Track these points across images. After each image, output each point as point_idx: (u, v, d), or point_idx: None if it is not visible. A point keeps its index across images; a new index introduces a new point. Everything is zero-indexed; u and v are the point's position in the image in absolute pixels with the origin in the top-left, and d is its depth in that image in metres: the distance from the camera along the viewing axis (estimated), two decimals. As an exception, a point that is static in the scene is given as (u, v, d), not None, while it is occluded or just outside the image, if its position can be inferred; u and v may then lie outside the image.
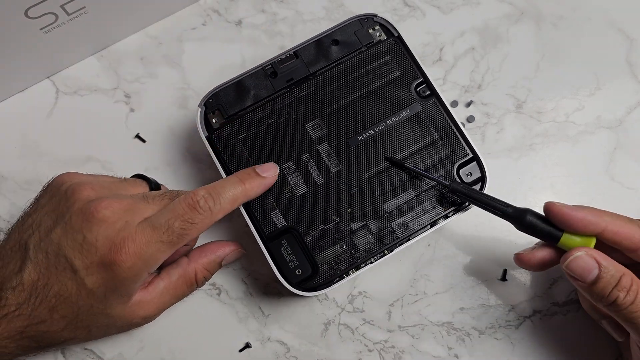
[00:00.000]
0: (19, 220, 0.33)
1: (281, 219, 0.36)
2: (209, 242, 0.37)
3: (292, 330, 0.39)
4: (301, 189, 0.36)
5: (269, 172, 0.35)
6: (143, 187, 0.35)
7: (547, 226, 0.33)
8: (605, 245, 0.33)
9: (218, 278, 0.39)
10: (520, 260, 0.35)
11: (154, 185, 0.36)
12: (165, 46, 0.43)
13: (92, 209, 0.30)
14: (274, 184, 0.36)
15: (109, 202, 0.31)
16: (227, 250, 0.36)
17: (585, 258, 0.31)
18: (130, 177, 0.36)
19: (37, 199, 0.34)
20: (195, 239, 0.35)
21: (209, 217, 0.31)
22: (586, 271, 0.31)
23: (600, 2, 0.45)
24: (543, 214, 0.34)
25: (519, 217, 0.34)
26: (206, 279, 0.36)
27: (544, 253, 0.34)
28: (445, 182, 0.35)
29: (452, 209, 0.36)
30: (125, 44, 0.43)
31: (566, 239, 0.33)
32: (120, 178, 0.36)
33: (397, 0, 0.45)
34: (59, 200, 0.32)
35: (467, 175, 0.37)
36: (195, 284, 0.35)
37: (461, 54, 0.44)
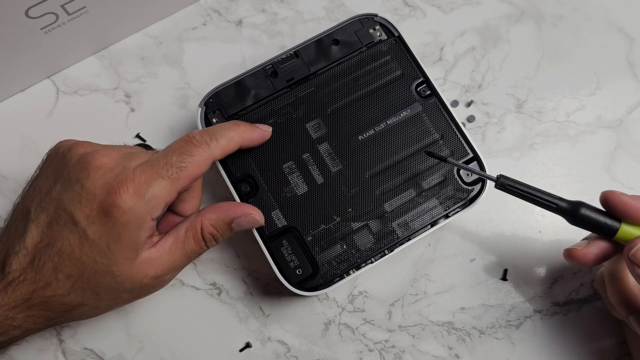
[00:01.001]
0: (22, 191, 0.33)
1: (281, 219, 0.36)
2: (226, 201, 0.34)
3: (293, 330, 0.39)
4: (301, 188, 0.36)
5: (265, 126, 0.36)
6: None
7: (604, 218, 0.32)
8: None
9: (218, 278, 0.39)
10: (572, 256, 0.33)
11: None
12: (165, 46, 0.43)
13: (88, 158, 0.30)
14: (273, 185, 0.36)
15: (106, 151, 0.30)
16: (238, 212, 0.33)
17: None
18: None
19: (38, 168, 0.34)
20: (196, 178, 0.32)
21: (206, 151, 0.31)
22: None
23: (600, 2, 0.45)
24: (597, 205, 0.33)
25: (574, 211, 0.32)
26: (214, 237, 0.33)
27: (599, 247, 0.33)
28: (492, 176, 0.34)
29: (453, 208, 0.36)
30: (126, 44, 0.43)
31: (625, 230, 0.32)
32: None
33: (397, 0, 0.45)
34: (57, 162, 0.32)
35: (468, 175, 0.37)
36: (202, 240, 0.33)
37: (461, 54, 0.44)
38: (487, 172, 0.35)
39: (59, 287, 0.30)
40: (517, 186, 0.33)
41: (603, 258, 0.33)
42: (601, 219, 0.32)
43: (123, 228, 0.29)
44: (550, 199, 0.33)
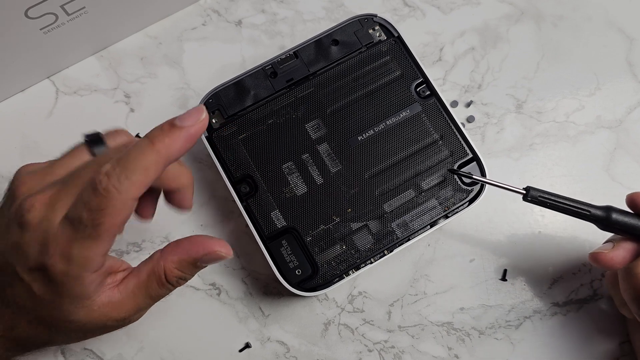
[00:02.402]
0: None
1: (281, 219, 0.36)
2: (188, 237, 0.31)
3: (292, 330, 0.39)
4: (301, 189, 0.36)
5: (191, 120, 0.27)
6: (82, 156, 0.31)
7: (636, 220, 0.32)
8: None
9: (218, 278, 0.39)
10: (599, 260, 0.33)
11: (94, 145, 0.31)
12: (165, 46, 0.43)
13: (22, 212, 0.28)
14: (272, 185, 0.36)
15: (32, 202, 0.28)
16: (201, 250, 0.30)
17: None
18: (75, 145, 0.32)
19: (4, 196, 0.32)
20: (123, 223, 0.28)
21: (117, 199, 0.26)
22: None
23: (600, 2, 0.45)
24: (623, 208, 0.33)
25: (606, 218, 0.32)
26: (181, 279, 0.31)
27: (626, 249, 0.32)
28: (521, 190, 0.33)
29: (452, 209, 0.36)
30: (125, 44, 0.43)
31: None
32: (63, 154, 0.32)
33: (397, 0, 0.45)
34: (8, 199, 0.30)
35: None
36: (167, 284, 0.30)
37: (461, 54, 0.44)
38: (513, 185, 0.33)
39: (25, 331, 0.30)
40: (547, 197, 0.32)
41: (630, 259, 0.33)
42: (633, 221, 0.32)
43: (63, 286, 0.27)
44: (582, 207, 0.33)
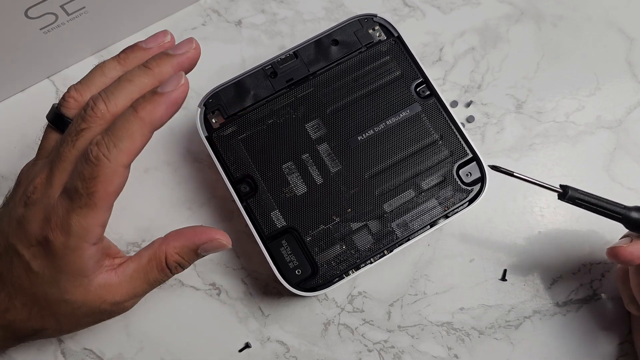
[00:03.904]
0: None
1: (281, 219, 0.36)
2: (190, 226, 0.33)
3: (292, 330, 0.39)
4: (301, 189, 0.36)
5: (173, 84, 0.28)
6: (55, 135, 0.32)
7: None
8: None
9: (218, 278, 0.39)
10: (618, 255, 0.33)
11: (59, 123, 0.32)
12: (165, 46, 0.43)
13: (27, 194, 0.29)
14: (272, 185, 0.36)
15: (34, 184, 0.29)
16: (203, 238, 0.32)
17: None
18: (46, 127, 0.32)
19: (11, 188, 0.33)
20: (118, 192, 0.29)
21: (108, 166, 0.27)
22: None
23: (600, 2, 0.45)
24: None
25: (637, 218, 0.32)
26: (180, 265, 0.32)
27: None
28: (558, 189, 0.33)
29: (452, 209, 0.36)
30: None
31: None
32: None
33: (397, 0, 0.45)
34: (13, 190, 0.32)
35: (467, 175, 0.37)
36: (167, 269, 0.32)
37: (461, 54, 0.44)
38: (550, 184, 0.33)
39: (17, 314, 0.30)
40: (585, 197, 0.32)
41: None
42: None
43: (63, 260, 0.29)
44: (614, 208, 0.33)
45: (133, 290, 0.31)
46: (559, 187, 0.33)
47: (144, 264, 0.31)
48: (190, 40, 0.30)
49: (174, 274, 0.32)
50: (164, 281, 0.33)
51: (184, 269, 0.33)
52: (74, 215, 0.28)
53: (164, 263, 0.32)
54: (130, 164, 0.28)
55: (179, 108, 0.29)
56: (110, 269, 0.31)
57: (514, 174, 0.33)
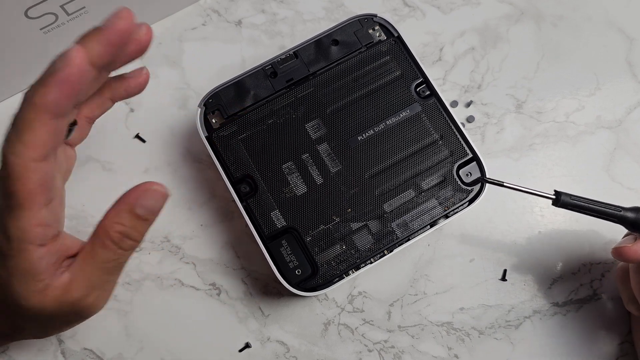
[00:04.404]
0: None
1: (281, 219, 0.36)
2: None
3: (292, 330, 0.39)
4: (301, 189, 0.36)
5: (60, 62, 0.24)
6: None
7: None
8: None
9: (218, 278, 0.39)
10: (623, 254, 0.33)
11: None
12: (165, 46, 0.43)
13: None
14: (272, 185, 0.36)
15: None
16: (134, 193, 0.27)
17: None
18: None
19: None
20: (39, 188, 0.26)
21: (16, 163, 0.25)
22: None
23: (600, 2, 0.45)
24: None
25: (636, 219, 0.33)
26: (125, 235, 0.28)
27: None
28: (551, 196, 0.33)
29: (452, 209, 0.36)
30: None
31: None
32: None
33: (397, 0, 0.45)
34: None
35: (467, 175, 0.37)
36: (111, 242, 0.28)
37: (461, 54, 0.44)
38: (542, 191, 0.34)
39: None
40: (578, 202, 0.33)
41: None
42: None
43: (11, 262, 0.27)
44: (611, 211, 0.33)
45: (87, 282, 0.28)
46: (552, 193, 0.33)
47: (89, 247, 0.28)
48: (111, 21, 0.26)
49: (126, 250, 0.28)
50: (119, 261, 0.29)
51: (134, 241, 0.28)
52: (8, 219, 0.26)
53: (106, 237, 0.28)
54: (45, 156, 0.25)
55: (77, 89, 0.25)
56: (65, 269, 0.28)
57: (504, 184, 0.34)
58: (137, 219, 0.28)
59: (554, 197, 0.33)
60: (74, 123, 0.32)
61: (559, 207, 0.33)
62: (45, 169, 0.26)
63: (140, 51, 0.28)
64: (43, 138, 0.25)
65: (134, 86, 0.33)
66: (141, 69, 0.33)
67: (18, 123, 0.25)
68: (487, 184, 0.35)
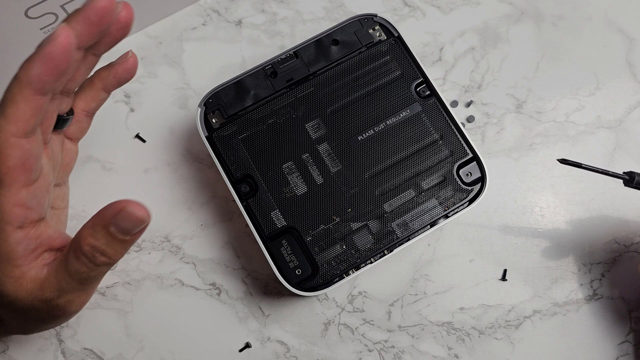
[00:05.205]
0: None
1: (281, 219, 0.36)
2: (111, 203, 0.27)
3: (292, 330, 0.39)
4: (301, 189, 0.36)
5: (48, 38, 0.24)
6: None
7: None
8: None
9: (218, 278, 0.39)
10: None
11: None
12: (165, 46, 0.43)
13: None
14: (273, 185, 0.36)
15: None
16: (110, 211, 0.26)
17: None
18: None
19: None
20: (24, 164, 0.26)
21: None
22: None
23: (600, 2, 0.45)
24: None
25: None
26: (97, 250, 0.27)
27: None
28: (624, 176, 0.34)
29: (452, 209, 0.36)
30: (125, 44, 0.43)
31: None
32: None
33: (397, 0, 0.45)
34: None
35: (467, 175, 0.37)
36: (82, 255, 0.27)
37: (461, 54, 0.44)
38: (615, 171, 0.34)
39: None
40: None
41: None
42: None
43: None
44: None
45: (58, 284, 0.28)
46: (623, 174, 0.34)
47: (65, 252, 0.27)
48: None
49: (96, 264, 0.27)
50: (91, 274, 0.28)
51: (108, 257, 0.27)
52: None
53: (77, 249, 0.27)
54: (27, 132, 0.25)
55: (61, 67, 0.24)
56: (45, 263, 0.28)
57: (582, 165, 0.34)
58: (110, 237, 0.27)
59: (627, 177, 0.34)
60: (70, 112, 0.32)
61: (632, 187, 0.34)
62: (27, 146, 0.25)
63: (123, 31, 0.28)
64: (26, 113, 0.25)
65: (122, 72, 0.33)
66: (126, 53, 0.32)
67: (3, 98, 0.25)
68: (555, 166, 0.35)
